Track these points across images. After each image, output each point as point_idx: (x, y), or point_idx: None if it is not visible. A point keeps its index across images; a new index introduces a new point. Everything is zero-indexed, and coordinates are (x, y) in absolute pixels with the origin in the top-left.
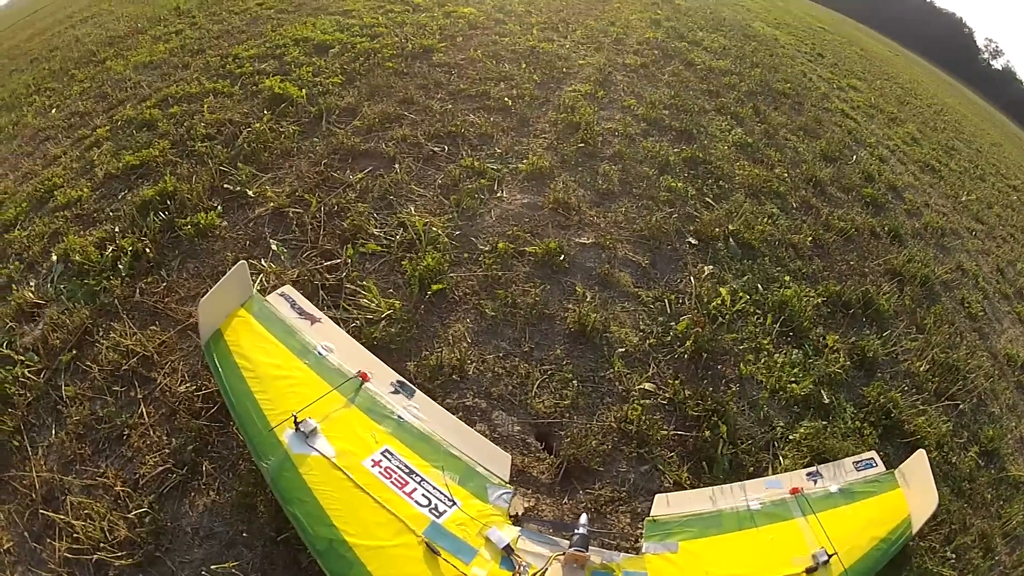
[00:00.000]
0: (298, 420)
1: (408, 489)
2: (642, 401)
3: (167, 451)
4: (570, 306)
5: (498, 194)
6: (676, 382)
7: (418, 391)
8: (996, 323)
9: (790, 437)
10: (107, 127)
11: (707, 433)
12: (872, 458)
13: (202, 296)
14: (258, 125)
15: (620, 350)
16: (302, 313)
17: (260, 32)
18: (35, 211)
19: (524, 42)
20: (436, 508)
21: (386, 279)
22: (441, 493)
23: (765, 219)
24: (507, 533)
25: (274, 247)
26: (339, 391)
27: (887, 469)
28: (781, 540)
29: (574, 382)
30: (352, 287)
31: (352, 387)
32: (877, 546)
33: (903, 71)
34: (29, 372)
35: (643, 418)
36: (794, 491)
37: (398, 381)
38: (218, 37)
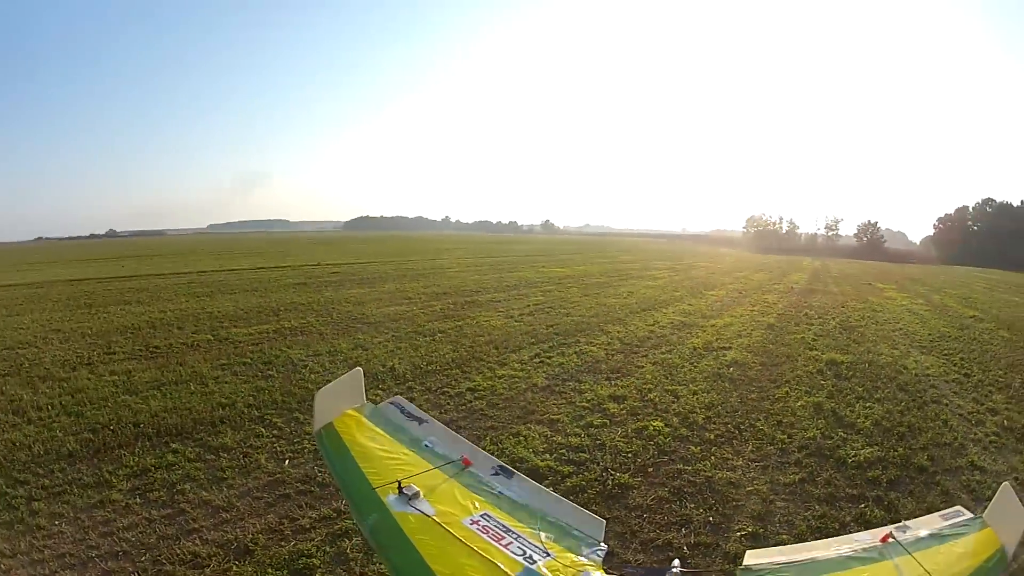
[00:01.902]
0: (402, 485)
1: (504, 542)
2: None
3: None
4: None
5: None
6: None
7: (517, 472)
8: None
9: None
10: None
11: None
12: (958, 509)
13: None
14: None
15: None
16: (411, 416)
17: (479, 435)
18: None
19: (704, 470)
20: (531, 558)
21: None
22: (536, 547)
23: None
24: None
25: None
26: (441, 470)
27: (974, 515)
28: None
29: None
30: None
31: (455, 468)
32: (973, 573)
33: None
34: None
35: None
36: (884, 539)
37: (499, 465)
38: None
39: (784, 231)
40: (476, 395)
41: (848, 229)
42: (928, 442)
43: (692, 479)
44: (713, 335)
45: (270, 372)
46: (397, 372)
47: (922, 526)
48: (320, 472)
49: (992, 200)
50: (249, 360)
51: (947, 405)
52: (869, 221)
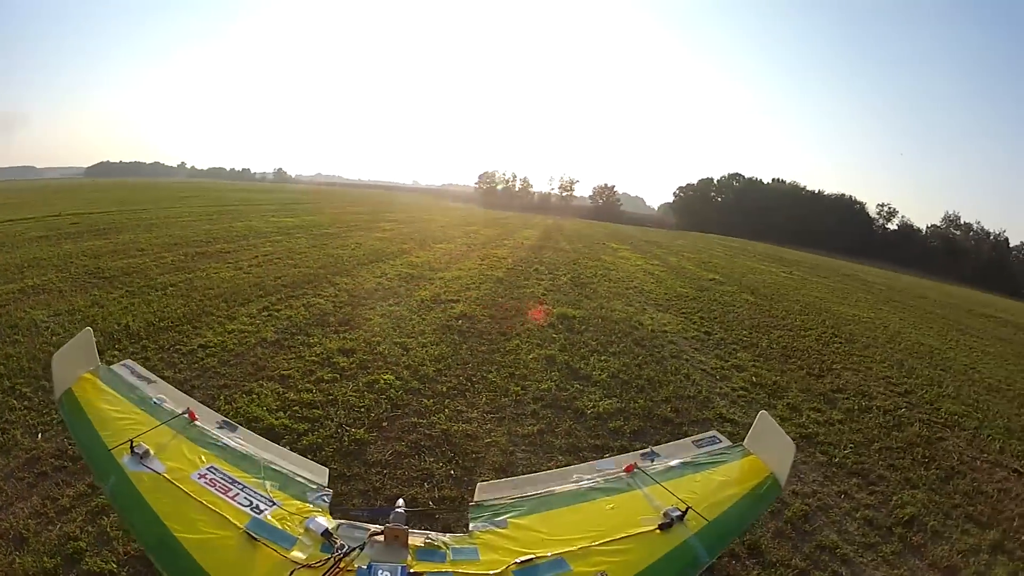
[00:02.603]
0: (133, 445)
1: (231, 494)
2: None
3: None
4: None
5: None
6: None
7: (240, 427)
8: None
9: None
10: None
11: None
12: (713, 435)
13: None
14: None
15: None
16: (140, 377)
17: (212, 394)
18: None
19: (439, 423)
20: (257, 508)
21: None
22: (262, 496)
23: None
24: (326, 522)
25: None
26: (169, 425)
27: (733, 443)
28: (623, 508)
29: None
30: None
31: (182, 423)
32: (739, 502)
33: (798, 297)
34: None
35: None
36: (629, 469)
37: (223, 420)
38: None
39: (517, 188)
40: (208, 352)
41: (584, 191)
42: (670, 395)
43: (428, 432)
44: (441, 287)
45: (16, 337)
46: (132, 330)
47: (673, 454)
48: (70, 444)
49: (740, 175)
50: None
51: (687, 360)
52: (606, 184)
